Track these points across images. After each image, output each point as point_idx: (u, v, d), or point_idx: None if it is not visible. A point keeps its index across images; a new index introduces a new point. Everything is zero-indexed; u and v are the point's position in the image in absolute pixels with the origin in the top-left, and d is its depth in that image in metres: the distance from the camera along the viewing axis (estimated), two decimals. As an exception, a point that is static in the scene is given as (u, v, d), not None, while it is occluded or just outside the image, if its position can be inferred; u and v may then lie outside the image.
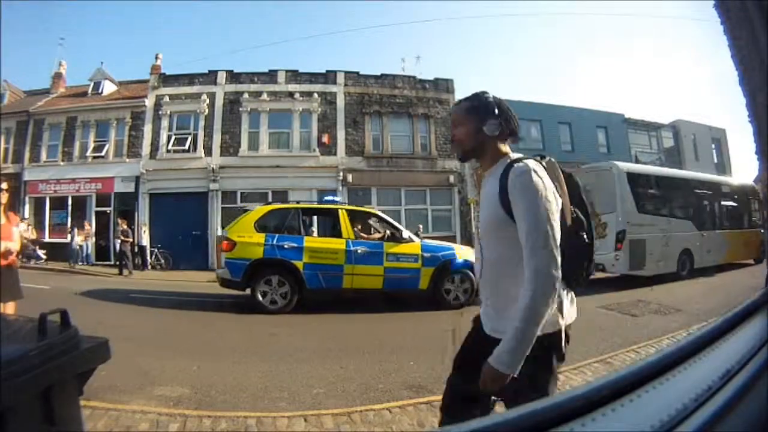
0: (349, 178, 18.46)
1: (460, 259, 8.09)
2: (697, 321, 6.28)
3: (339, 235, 7.93)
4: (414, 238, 8.35)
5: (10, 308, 3.95)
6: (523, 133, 17.77)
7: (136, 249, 15.75)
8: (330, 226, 8.33)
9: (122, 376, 3.73)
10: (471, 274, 7.80)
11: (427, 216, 19.27)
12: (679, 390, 0.74)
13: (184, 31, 54.17)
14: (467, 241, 18.99)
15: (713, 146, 32.13)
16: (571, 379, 4.13)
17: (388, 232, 8.50)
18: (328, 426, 3.13)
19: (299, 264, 7.53)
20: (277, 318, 7.32)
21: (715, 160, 32.02)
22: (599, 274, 9.82)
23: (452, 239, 19.16)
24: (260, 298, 7.46)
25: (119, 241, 14.66)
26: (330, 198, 10.05)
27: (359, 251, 7.74)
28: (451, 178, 19.43)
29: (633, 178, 11.25)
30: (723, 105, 57.52)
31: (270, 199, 18.00)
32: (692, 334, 1.00)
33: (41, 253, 15.67)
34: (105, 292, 10.01)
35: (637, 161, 27.18)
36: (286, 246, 7.58)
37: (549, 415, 0.66)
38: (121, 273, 14.00)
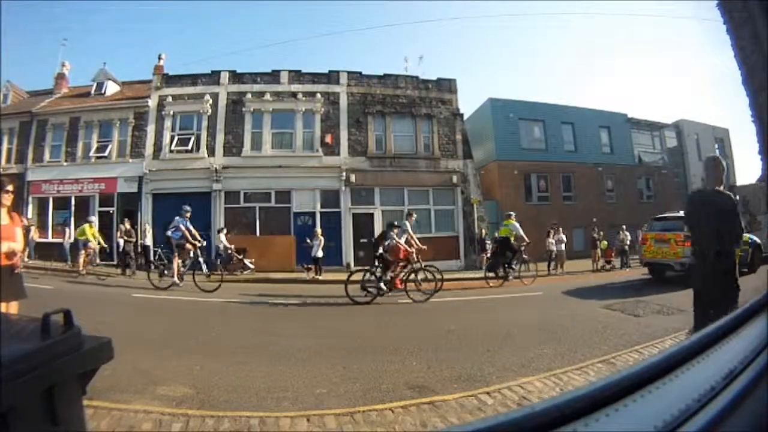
0: (352, 178, 18.44)
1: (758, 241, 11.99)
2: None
3: None
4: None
5: (13, 308, 3.96)
6: (526, 133, 18.61)
7: (139, 249, 15.75)
8: None
9: (125, 376, 3.74)
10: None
11: (430, 216, 19.25)
12: (682, 390, 0.74)
13: (187, 32, 54.39)
14: (470, 240, 19.02)
15: (716, 146, 32.02)
16: (574, 379, 4.13)
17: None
18: (330, 426, 3.13)
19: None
20: (279, 318, 7.36)
21: (719, 160, 31.86)
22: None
23: (455, 239, 19.18)
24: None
25: (122, 241, 14.71)
26: None
27: None
28: (454, 178, 19.39)
29: None
30: (726, 105, 57.39)
31: (273, 200, 18.18)
32: (695, 335, 1.00)
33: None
34: (108, 291, 10.04)
35: (640, 161, 27.16)
36: None
37: (552, 415, 0.66)
38: (124, 273, 14.03)
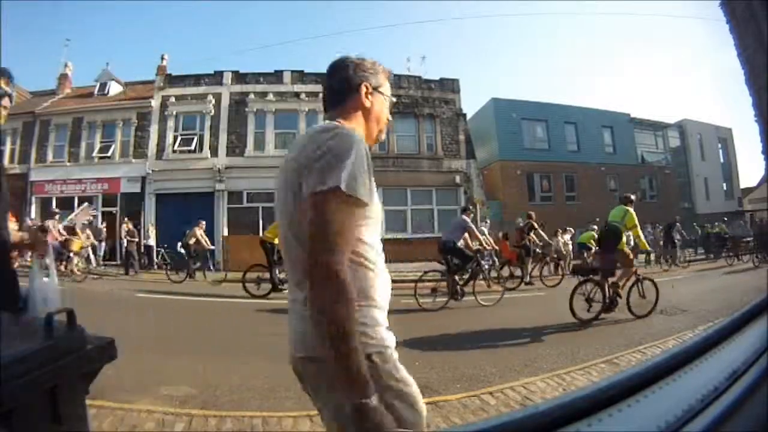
0: (355, 178, 18.41)
1: None
2: (702, 322, 6.23)
3: None
4: None
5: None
6: (528, 133, 18.73)
7: (142, 249, 15.80)
8: None
9: (128, 376, 3.74)
10: None
11: (433, 216, 19.24)
12: (686, 391, 0.74)
13: (189, 32, 54.53)
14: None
15: (719, 146, 31.97)
16: (577, 379, 4.12)
17: None
18: (333, 426, 3.12)
19: None
20: (281, 318, 7.37)
21: (722, 160, 31.86)
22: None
23: (457, 239, 19.17)
24: None
25: (126, 241, 14.75)
26: None
27: None
28: (457, 178, 19.38)
29: None
30: (730, 104, 57.27)
31: (276, 200, 18.12)
32: (698, 335, 0.99)
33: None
34: (111, 291, 10.07)
35: (643, 161, 27.10)
36: None
37: (554, 416, 0.66)
38: (127, 273, 14.06)
